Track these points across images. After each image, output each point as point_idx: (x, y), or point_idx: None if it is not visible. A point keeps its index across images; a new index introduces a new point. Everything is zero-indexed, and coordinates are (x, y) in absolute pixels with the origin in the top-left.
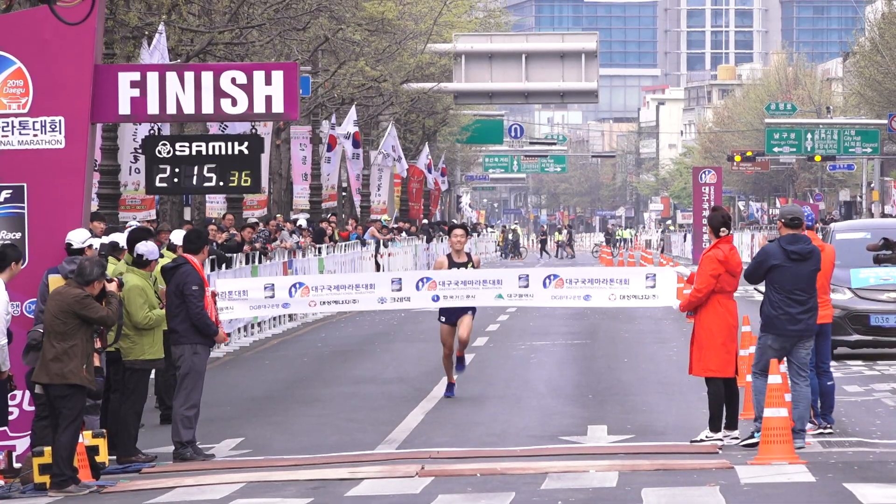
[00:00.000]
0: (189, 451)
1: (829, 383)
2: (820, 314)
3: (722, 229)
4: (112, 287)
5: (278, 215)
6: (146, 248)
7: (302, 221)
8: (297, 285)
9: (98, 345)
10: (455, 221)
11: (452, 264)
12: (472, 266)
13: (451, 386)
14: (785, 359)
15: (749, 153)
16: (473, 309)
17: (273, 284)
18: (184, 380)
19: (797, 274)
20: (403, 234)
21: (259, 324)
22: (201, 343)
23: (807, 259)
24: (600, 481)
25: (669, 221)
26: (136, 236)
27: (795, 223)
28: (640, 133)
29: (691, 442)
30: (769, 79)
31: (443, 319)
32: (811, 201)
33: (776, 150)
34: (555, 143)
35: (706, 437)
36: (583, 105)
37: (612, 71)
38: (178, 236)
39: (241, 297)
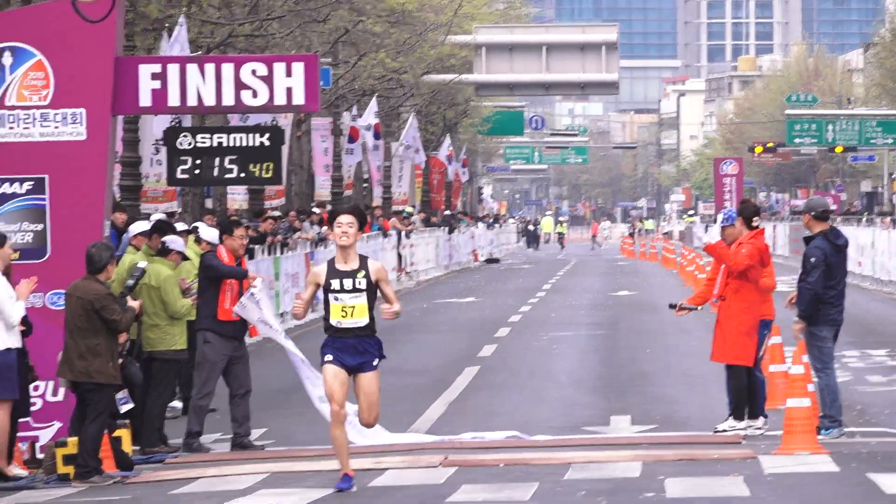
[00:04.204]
0: (197, 442)
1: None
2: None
3: (755, 219)
4: (134, 304)
5: (291, 212)
6: (171, 237)
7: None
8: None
9: (122, 339)
10: (344, 206)
11: (334, 274)
12: (366, 278)
13: (346, 477)
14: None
15: (770, 144)
16: (379, 355)
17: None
18: (197, 369)
19: (844, 266)
20: (418, 221)
21: (282, 315)
22: (212, 331)
23: (845, 250)
24: (623, 472)
25: (692, 212)
26: (161, 227)
27: (826, 216)
28: (661, 124)
29: (714, 431)
30: (790, 70)
31: (329, 358)
32: (833, 192)
33: (797, 141)
34: (576, 135)
35: (730, 426)
36: (603, 96)
37: (633, 62)
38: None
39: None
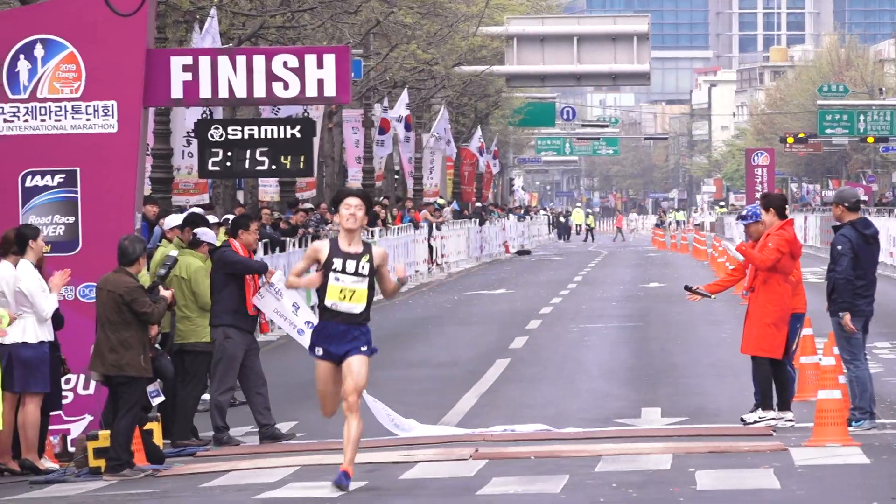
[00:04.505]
0: (226, 435)
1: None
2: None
3: (786, 208)
4: (166, 294)
5: (322, 204)
6: (202, 229)
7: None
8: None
9: (153, 332)
10: (351, 188)
11: (337, 252)
12: (370, 264)
13: (345, 473)
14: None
15: (801, 135)
16: (368, 345)
17: (299, 307)
18: (217, 365)
19: (874, 256)
20: (448, 212)
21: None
22: (233, 326)
23: (877, 240)
24: (654, 464)
25: (722, 203)
26: (193, 220)
27: (857, 206)
28: (692, 115)
29: (741, 421)
30: (821, 60)
31: (318, 352)
32: (864, 183)
33: (828, 131)
34: (607, 126)
35: (759, 417)
36: (635, 87)
37: (664, 53)
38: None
39: (277, 295)
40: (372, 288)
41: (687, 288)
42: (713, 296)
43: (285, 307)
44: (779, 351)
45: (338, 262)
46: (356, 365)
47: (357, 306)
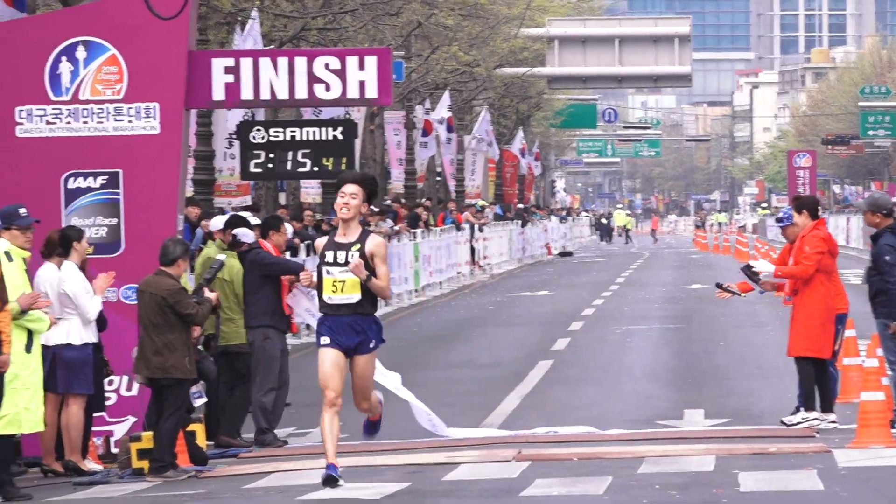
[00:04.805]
0: (270, 436)
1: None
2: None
3: (818, 209)
4: (211, 296)
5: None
6: (242, 230)
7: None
8: None
9: (196, 333)
10: (351, 172)
11: (330, 245)
12: (360, 254)
13: (331, 466)
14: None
15: (843, 136)
16: (376, 339)
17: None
18: (258, 366)
19: None
20: (490, 214)
21: None
22: (271, 327)
23: None
24: (697, 465)
25: (764, 204)
26: (234, 221)
27: (892, 212)
28: (734, 117)
29: (783, 422)
30: (863, 62)
31: (325, 342)
32: None
33: (870, 133)
34: (649, 127)
35: (802, 418)
36: (676, 89)
37: (706, 55)
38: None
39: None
40: (367, 274)
41: (718, 286)
42: (743, 294)
43: (317, 306)
44: (827, 350)
45: (329, 255)
46: (363, 368)
47: (351, 297)
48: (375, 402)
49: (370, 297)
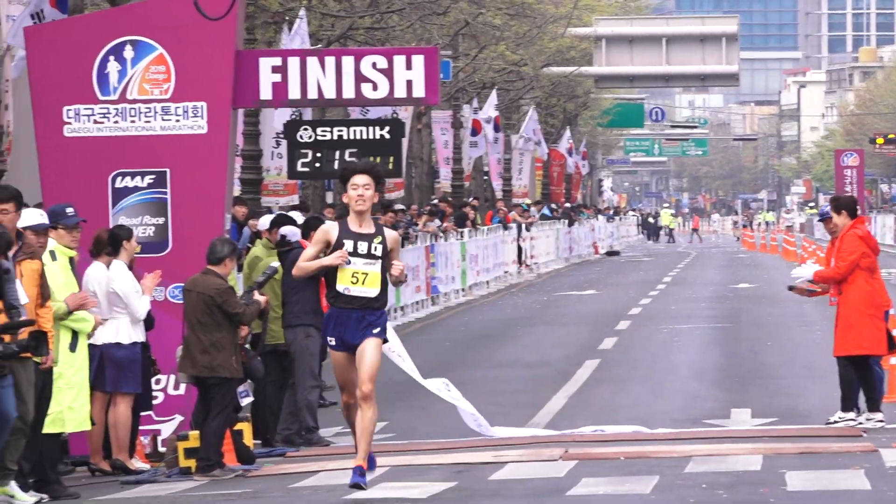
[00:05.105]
0: (316, 435)
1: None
2: None
3: (857, 208)
4: (260, 299)
5: (413, 206)
6: (289, 229)
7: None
8: None
9: (243, 333)
10: (360, 162)
11: (347, 234)
12: (382, 245)
13: (359, 468)
14: None
15: (891, 136)
16: (381, 328)
17: None
18: (300, 364)
19: None
20: (536, 213)
21: (402, 308)
22: (312, 326)
23: None
24: (744, 464)
25: (812, 204)
26: (280, 220)
27: None
28: (781, 116)
29: (826, 423)
30: None
31: (332, 343)
32: None
33: None
34: (696, 127)
35: (839, 417)
36: (724, 88)
37: (753, 54)
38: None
39: None
40: (385, 271)
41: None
42: (820, 286)
43: None
44: (881, 345)
45: (349, 244)
46: (369, 351)
47: (371, 290)
48: (374, 404)
49: (385, 290)
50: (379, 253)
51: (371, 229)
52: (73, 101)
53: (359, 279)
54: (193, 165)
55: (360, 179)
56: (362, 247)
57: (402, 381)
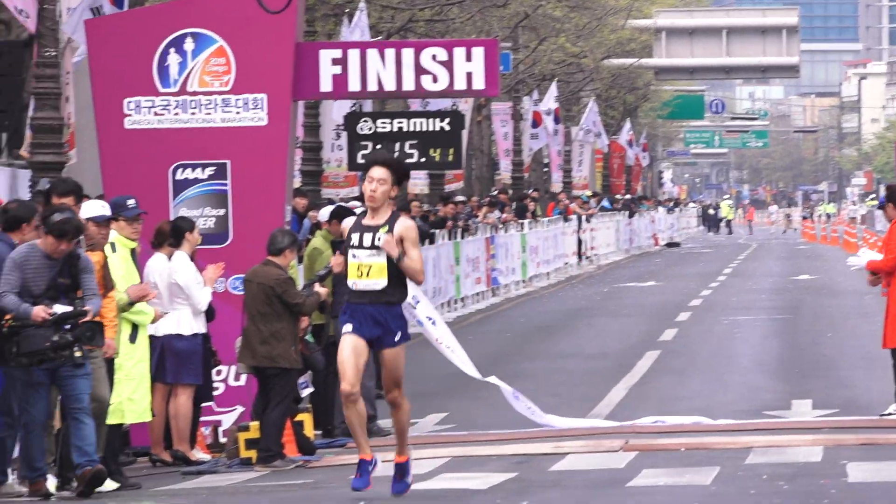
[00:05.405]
0: (375, 425)
1: None
2: None
3: None
4: (321, 290)
5: (473, 197)
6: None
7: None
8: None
9: (304, 324)
10: (380, 153)
11: (357, 228)
12: (389, 234)
13: (363, 463)
14: None
15: None
16: (402, 332)
17: (419, 301)
18: None
19: None
20: (594, 203)
21: (462, 299)
22: None
23: None
24: (805, 456)
25: (873, 196)
26: (340, 212)
27: None
28: (842, 107)
29: (880, 416)
30: None
31: (348, 328)
32: None
33: None
34: (756, 118)
35: (894, 409)
36: (784, 80)
37: (813, 46)
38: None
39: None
40: (396, 263)
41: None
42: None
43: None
44: None
45: (355, 238)
46: (391, 361)
47: (377, 282)
48: (405, 404)
49: (399, 284)
50: (380, 243)
51: (381, 220)
52: (133, 93)
53: (363, 272)
54: (254, 157)
55: (377, 173)
56: (366, 239)
57: (459, 372)
